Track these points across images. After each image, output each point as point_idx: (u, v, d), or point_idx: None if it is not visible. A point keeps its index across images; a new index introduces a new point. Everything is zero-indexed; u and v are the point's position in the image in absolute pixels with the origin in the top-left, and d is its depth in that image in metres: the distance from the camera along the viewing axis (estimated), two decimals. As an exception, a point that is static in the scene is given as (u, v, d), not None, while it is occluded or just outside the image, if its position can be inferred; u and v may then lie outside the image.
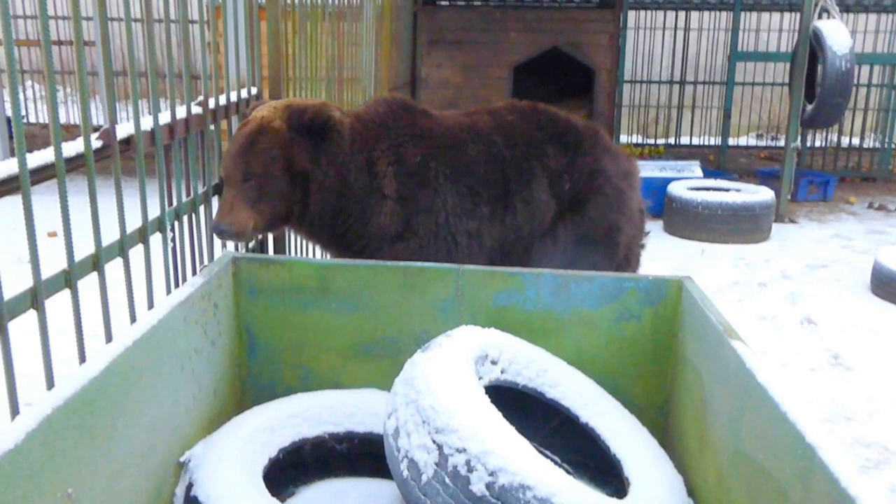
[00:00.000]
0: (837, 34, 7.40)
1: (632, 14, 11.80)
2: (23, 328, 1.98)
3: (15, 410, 1.82)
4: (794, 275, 6.17)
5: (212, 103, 2.75)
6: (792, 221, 7.90)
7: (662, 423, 2.48)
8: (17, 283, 1.88)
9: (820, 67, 7.63)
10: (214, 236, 2.79)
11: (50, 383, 1.91)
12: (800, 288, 5.82)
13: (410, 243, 2.96)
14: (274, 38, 3.24)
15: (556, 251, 3.14)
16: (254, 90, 3.10)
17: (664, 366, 2.47)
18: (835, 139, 10.72)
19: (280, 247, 3.46)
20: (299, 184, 2.81)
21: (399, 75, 7.96)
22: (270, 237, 3.40)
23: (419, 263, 2.52)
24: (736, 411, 1.91)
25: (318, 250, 3.40)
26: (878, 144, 10.98)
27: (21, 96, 1.99)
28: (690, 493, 2.11)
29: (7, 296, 1.75)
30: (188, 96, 2.57)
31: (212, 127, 2.78)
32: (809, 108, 7.85)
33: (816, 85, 7.80)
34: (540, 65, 9.84)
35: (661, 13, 12.31)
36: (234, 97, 2.95)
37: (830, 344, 4.73)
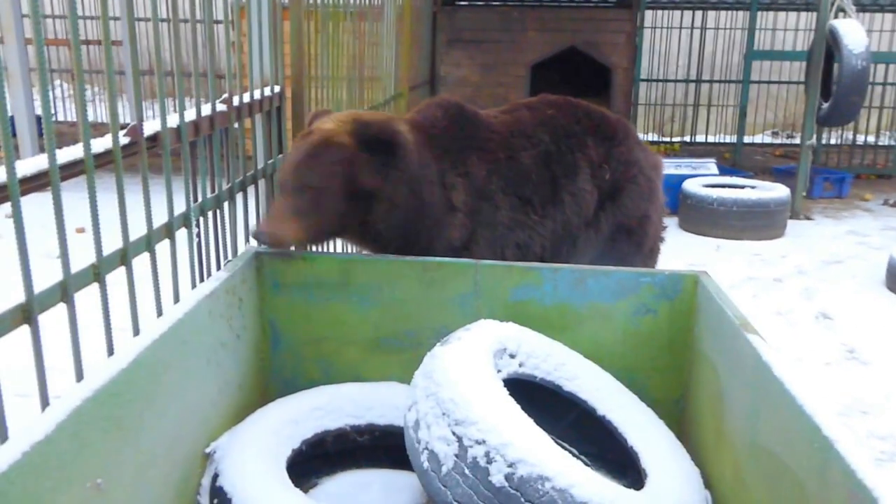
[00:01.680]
0: (853, 33, 7.39)
1: (649, 13, 11.79)
2: (52, 321, 2.02)
3: (45, 402, 1.86)
4: (809, 271, 6.18)
5: (236, 101, 2.79)
6: (807, 218, 7.88)
7: (679, 417, 2.50)
8: (47, 278, 1.92)
9: (836, 66, 7.61)
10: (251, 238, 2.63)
11: (79, 375, 1.95)
12: (815, 284, 5.83)
13: (468, 254, 2.88)
14: (297, 37, 3.28)
15: (599, 240, 3.19)
16: (276, 88, 3.14)
17: (681, 360, 2.49)
18: (850, 137, 10.68)
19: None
20: (361, 201, 2.66)
21: (419, 74, 7.99)
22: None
23: (438, 259, 2.55)
24: (752, 405, 1.93)
25: (339, 245, 3.42)
26: (893, 142, 10.95)
27: (50, 95, 2.03)
28: (707, 485, 2.12)
29: (37, 290, 1.79)
30: (213, 94, 2.61)
31: (236, 124, 2.82)
32: (825, 106, 7.84)
33: (832, 83, 7.79)
34: (557, 64, 9.85)
35: (677, 12, 12.30)
36: (257, 95, 2.99)
37: (846, 339, 4.74)
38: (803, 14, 12.36)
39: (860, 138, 10.77)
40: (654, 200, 3.29)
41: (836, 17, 7.72)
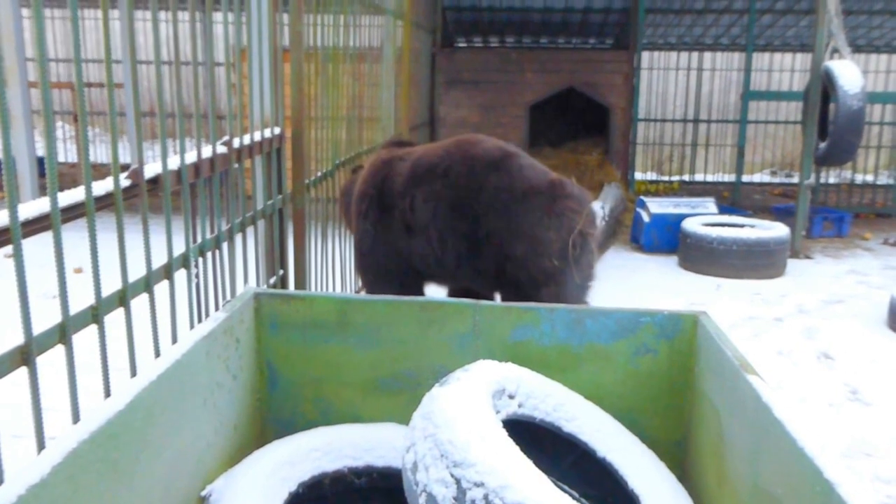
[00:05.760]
0: (849, 73, 7.46)
1: (646, 55, 11.94)
2: (50, 359, 2.02)
3: (41, 443, 1.84)
4: (810, 310, 6.15)
5: (236, 143, 2.81)
6: (807, 257, 7.88)
7: (680, 459, 2.48)
8: (44, 318, 1.92)
9: (832, 106, 7.66)
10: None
11: (76, 417, 1.94)
12: (816, 323, 5.79)
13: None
14: (297, 78, 3.32)
15: (447, 253, 3.58)
16: (277, 130, 3.16)
17: (681, 401, 2.47)
18: (848, 176, 10.76)
19: (301, 283, 3.51)
20: None
21: (418, 115, 8.07)
22: (292, 274, 3.45)
23: (437, 298, 2.55)
24: (754, 447, 1.91)
25: (338, 285, 3.43)
26: (891, 181, 11.01)
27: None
28: (709, 528, 2.11)
29: (36, 331, 1.79)
30: (214, 136, 2.63)
31: (235, 165, 2.84)
32: (822, 145, 7.88)
33: (829, 123, 7.83)
34: (556, 104, 9.95)
35: (674, 53, 12.46)
36: (257, 137, 3.01)
37: (848, 379, 4.69)
38: (798, 55, 12.52)
39: (858, 177, 10.84)
40: (508, 225, 3.47)
41: (831, 57, 7.79)
